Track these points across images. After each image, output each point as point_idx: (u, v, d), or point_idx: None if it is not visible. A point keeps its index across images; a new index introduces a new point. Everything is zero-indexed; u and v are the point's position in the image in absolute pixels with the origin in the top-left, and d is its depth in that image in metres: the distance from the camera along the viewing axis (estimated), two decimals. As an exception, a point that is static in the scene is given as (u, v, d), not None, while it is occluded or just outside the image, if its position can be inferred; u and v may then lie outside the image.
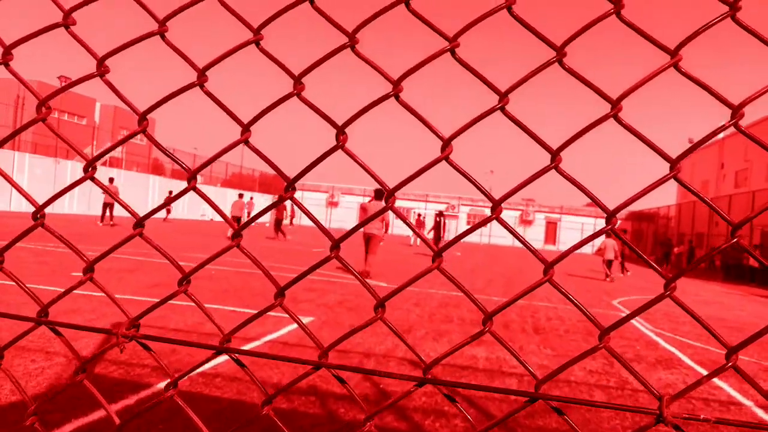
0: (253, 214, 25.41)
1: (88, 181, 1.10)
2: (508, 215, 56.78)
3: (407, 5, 0.96)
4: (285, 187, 1.01)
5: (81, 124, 54.94)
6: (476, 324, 8.10)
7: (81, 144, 45.40)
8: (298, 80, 1.01)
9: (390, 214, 14.29)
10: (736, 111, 0.86)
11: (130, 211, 1.07)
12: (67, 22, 1.06)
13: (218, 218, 45.75)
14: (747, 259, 27.42)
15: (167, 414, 3.57)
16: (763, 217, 27.92)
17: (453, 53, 0.95)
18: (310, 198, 59.36)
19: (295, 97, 1.03)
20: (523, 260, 26.97)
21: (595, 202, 0.93)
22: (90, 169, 1.06)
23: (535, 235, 56.92)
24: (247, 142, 1.02)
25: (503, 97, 0.94)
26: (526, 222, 57.37)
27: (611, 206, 0.92)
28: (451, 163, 0.95)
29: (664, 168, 0.92)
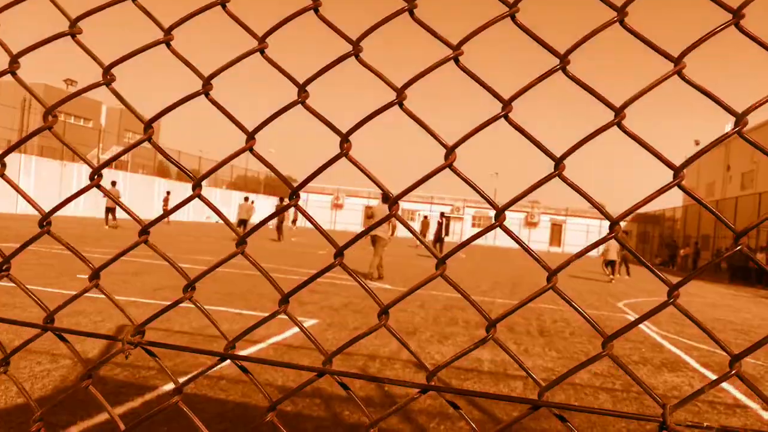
0: (253, 217, 25.62)
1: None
2: (513, 217, 56.72)
3: (411, 14, 0.97)
4: (289, 195, 1.01)
5: (87, 127, 55.16)
6: (481, 327, 8.10)
7: (87, 146, 45.58)
8: (302, 88, 1.01)
9: (399, 207, 14.34)
10: (740, 119, 0.86)
11: (134, 218, 1.07)
12: (73, 31, 1.07)
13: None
14: (755, 257, 27.27)
15: (171, 415, 3.58)
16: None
17: (457, 62, 0.95)
18: (315, 200, 59.46)
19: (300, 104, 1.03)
20: (528, 262, 26.92)
21: (599, 209, 0.93)
22: (96, 176, 1.07)
23: (540, 237, 56.86)
24: (251, 150, 1.02)
25: (507, 105, 0.95)
26: (531, 224, 57.30)
27: (614, 206, 0.92)
28: (455, 171, 0.96)
29: (669, 170, 0.92)
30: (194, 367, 4.60)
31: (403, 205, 51.91)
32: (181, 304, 1.08)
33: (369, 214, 12.86)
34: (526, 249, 0.95)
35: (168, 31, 1.06)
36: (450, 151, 0.95)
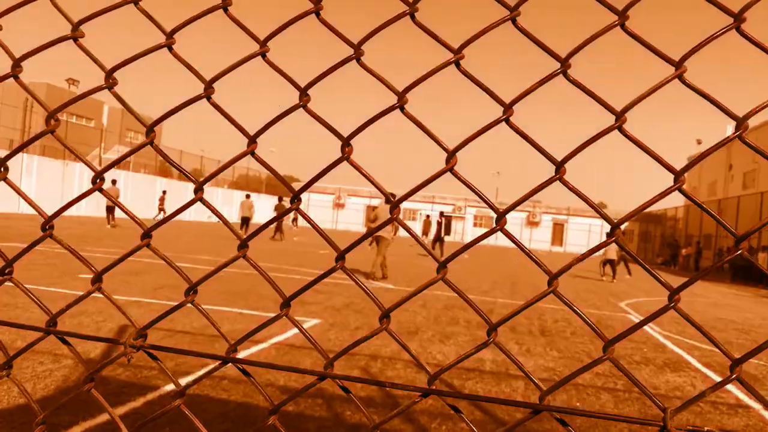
0: (254, 215, 25.83)
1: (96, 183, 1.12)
2: (515, 217, 56.66)
3: (413, 18, 0.97)
4: (291, 198, 1.02)
5: (89, 127, 55.20)
6: (483, 326, 8.09)
7: (89, 146, 45.63)
8: (304, 92, 1.01)
9: (400, 210, 14.42)
10: (741, 123, 0.86)
11: (137, 222, 1.08)
12: (75, 35, 1.07)
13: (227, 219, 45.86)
14: (756, 259, 27.22)
15: (174, 417, 3.59)
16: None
17: (458, 65, 0.96)
18: (316, 200, 59.49)
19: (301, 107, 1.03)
20: (528, 261, 26.86)
21: (599, 213, 0.94)
22: (98, 180, 1.07)
23: (542, 237, 56.82)
24: (253, 153, 1.03)
25: (508, 108, 0.95)
26: (533, 224, 57.26)
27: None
28: (455, 175, 0.96)
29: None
30: (196, 368, 4.61)
31: (405, 204, 51.90)
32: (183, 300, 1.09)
33: (372, 217, 12.91)
34: (527, 253, 0.95)
35: (170, 35, 1.06)
36: (451, 155, 0.95)
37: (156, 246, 1.08)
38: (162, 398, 4.05)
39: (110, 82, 1.07)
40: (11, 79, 1.17)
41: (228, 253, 15.43)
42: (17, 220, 23.15)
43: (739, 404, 5.20)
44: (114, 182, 26.99)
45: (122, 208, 1.14)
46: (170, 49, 1.06)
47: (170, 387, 4.29)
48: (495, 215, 0.96)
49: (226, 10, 1.04)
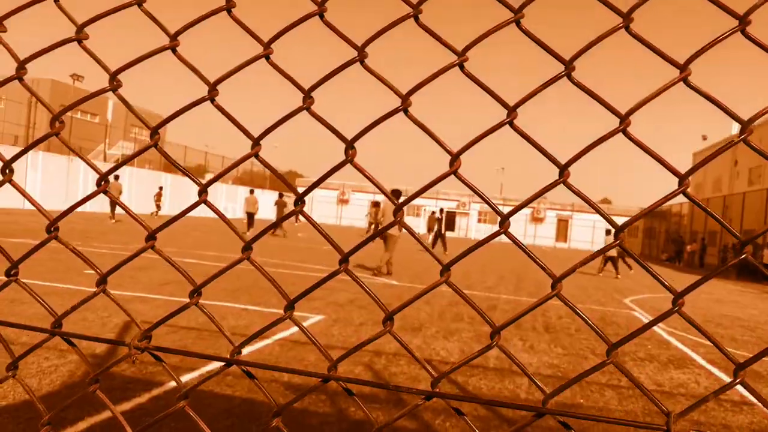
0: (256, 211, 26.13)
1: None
2: (520, 213, 56.29)
3: (416, 20, 0.97)
4: (294, 201, 1.02)
5: (94, 122, 55.30)
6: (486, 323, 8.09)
7: (94, 141, 45.70)
8: (307, 94, 1.01)
9: (404, 213, 14.62)
10: (746, 126, 0.86)
11: (141, 224, 1.08)
12: (79, 37, 1.08)
13: (231, 215, 45.99)
14: (761, 256, 27.13)
15: (178, 414, 3.60)
16: (778, 214, 27.65)
17: (462, 68, 0.95)
18: (320, 196, 59.54)
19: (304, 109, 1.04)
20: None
21: (604, 216, 0.93)
22: (102, 182, 1.08)
23: (547, 233, 56.73)
24: (257, 156, 1.03)
25: (512, 111, 0.94)
26: (537, 219, 57.16)
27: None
28: (459, 178, 0.96)
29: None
30: (201, 363, 4.63)
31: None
32: (187, 299, 1.09)
33: (379, 218, 13.05)
34: (531, 256, 0.95)
35: (174, 37, 1.06)
36: (454, 158, 0.95)
37: (163, 242, 1.08)
38: (167, 394, 4.07)
39: (114, 84, 1.07)
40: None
41: (234, 248, 15.46)
42: (23, 215, 23.26)
43: (744, 401, 5.19)
44: (117, 177, 27.08)
45: (127, 211, 1.15)
46: (174, 51, 1.06)
47: (175, 383, 4.31)
48: (499, 212, 0.96)
49: (229, 12, 1.04)
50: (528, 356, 6.38)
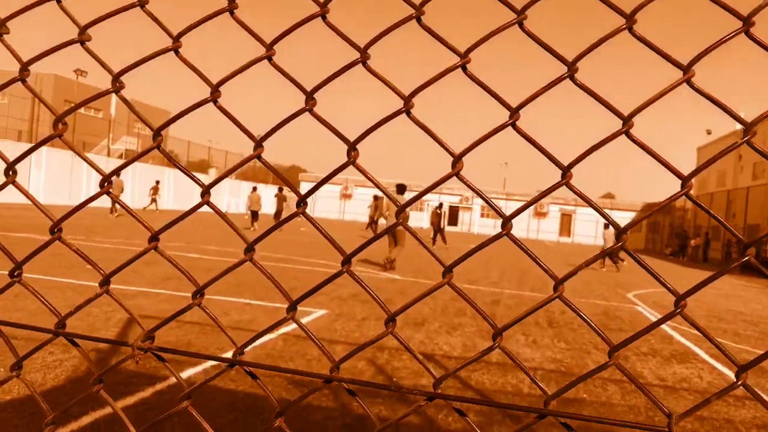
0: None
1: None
2: (522, 207, 56.23)
3: (419, 21, 0.97)
4: (296, 203, 1.02)
5: (98, 117, 55.33)
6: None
7: (97, 136, 45.76)
8: (310, 96, 1.02)
9: (407, 214, 14.79)
10: (749, 128, 0.86)
11: (144, 226, 1.09)
12: (82, 38, 1.08)
13: (234, 210, 46.03)
14: (765, 252, 27.08)
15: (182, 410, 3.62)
16: (782, 209, 27.56)
17: (464, 69, 0.95)
18: (323, 190, 59.52)
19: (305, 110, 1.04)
20: (537, 252, 26.82)
21: (606, 218, 0.93)
22: (105, 184, 1.08)
23: (550, 228, 56.68)
24: (259, 158, 1.03)
25: (514, 113, 0.94)
26: (540, 214, 57.09)
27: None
28: (462, 179, 0.96)
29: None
30: (203, 361, 4.64)
31: (412, 195, 51.78)
32: (189, 294, 1.09)
33: (385, 213, 13.18)
34: (533, 258, 0.95)
35: (176, 39, 1.06)
36: (457, 159, 0.95)
37: (170, 237, 1.08)
38: (171, 389, 4.08)
39: (117, 86, 1.07)
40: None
41: (237, 244, 15.48)
42: (27, 210, 23.33)
43: (747, 396, 5.19)
44: (118, 174, 27.29)
45: (129, 212, 1.15)
46: (177, 53, 1.06)
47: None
48: (501, 213, 0.96)
49: (232, 13, 1.04)
50: (531, 351, 6.38)
